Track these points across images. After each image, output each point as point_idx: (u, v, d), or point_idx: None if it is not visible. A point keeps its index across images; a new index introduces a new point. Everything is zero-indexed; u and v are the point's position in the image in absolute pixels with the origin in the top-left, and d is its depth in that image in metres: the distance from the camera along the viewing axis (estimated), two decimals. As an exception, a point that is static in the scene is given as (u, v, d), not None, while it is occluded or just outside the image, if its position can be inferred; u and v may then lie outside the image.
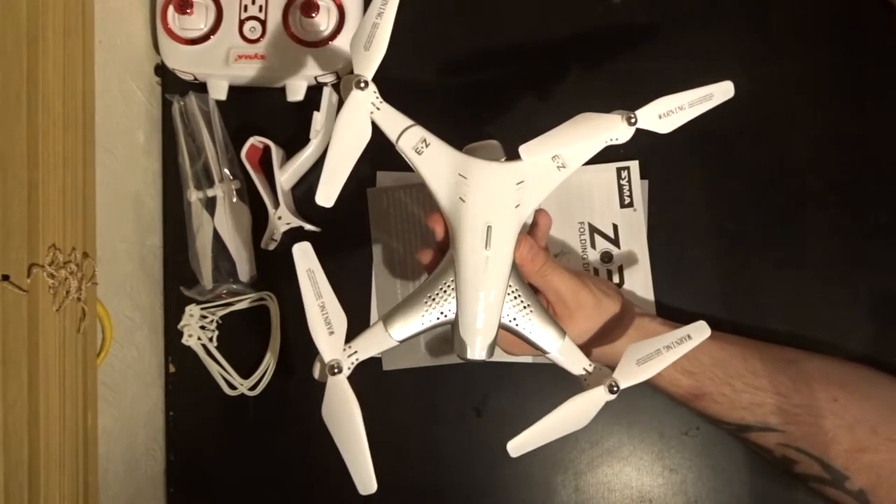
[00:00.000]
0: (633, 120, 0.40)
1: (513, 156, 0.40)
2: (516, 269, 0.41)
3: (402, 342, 0.40)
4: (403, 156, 0.40)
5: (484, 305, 0.39)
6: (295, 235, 0.61)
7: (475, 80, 0.61)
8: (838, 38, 0.58)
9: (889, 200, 0.57)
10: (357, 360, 0.39)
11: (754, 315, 0.57)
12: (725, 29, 0.59)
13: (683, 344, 0.40)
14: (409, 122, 0.40)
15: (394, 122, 0.40)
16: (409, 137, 0.40)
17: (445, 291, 0.40)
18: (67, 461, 0.44)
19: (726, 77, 0.43)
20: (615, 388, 0.39)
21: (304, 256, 0.39)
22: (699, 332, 0.40)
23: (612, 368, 0.40)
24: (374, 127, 0.39)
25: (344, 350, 0.38)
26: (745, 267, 0.58)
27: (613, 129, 0.40)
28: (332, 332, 0.38)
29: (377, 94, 0.39)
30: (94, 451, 0.48)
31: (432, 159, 0.40)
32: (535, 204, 0.41)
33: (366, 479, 0.37)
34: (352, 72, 0.38)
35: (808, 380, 0.49)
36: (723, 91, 0.42)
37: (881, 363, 0.53)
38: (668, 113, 0.41)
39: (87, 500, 0.46)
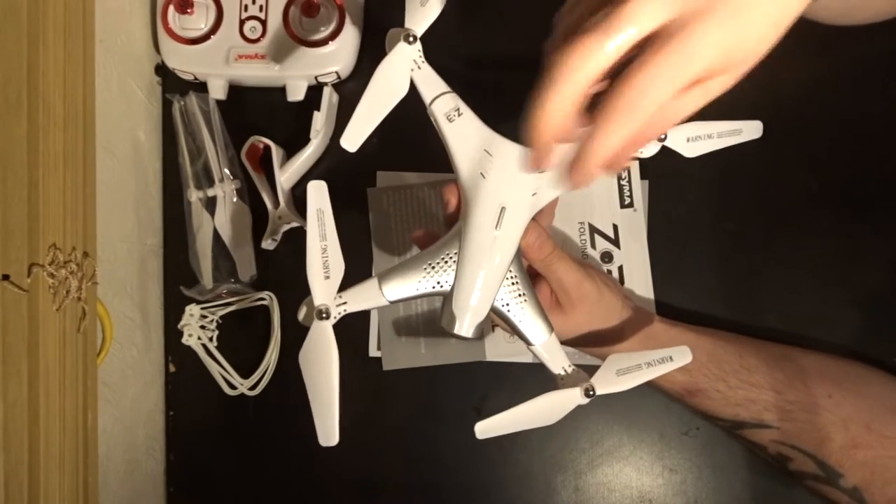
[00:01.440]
0: (662, 136, 0.40)
1: None
2: (519, 257, 0.41)
3: (392, 303, 0.40)
4: (433, 120, 0.40)
5: (481, 284, 0.39)
6: (295, 235, 0.61)
7: (482, 78, 0.61)
8: (839, 37, 0.58)
9: (889, 200, 0.57)
10: (345, 310, 0.39)
11: (754, 314, 0.57)
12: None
13: (664, 364, 0.40)
14: (446, 87, 0.40)
15: (431, 85, 0.39)
16: (444, 103, 0.40)
17: (446, 262, 0.40)
18: (67, 461, 0.44)
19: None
20: (591, 393, 0.39)
21: (318, 195, 0.38)
22: (681, 356, 0.41)
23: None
24: (411, 87, 0.39)
25: (334, 298, 0.38)
26: (745, 267, 0.58)
27: None
28: (327, 277, 0.38)
29: (421, 53, 0.39)
30: (94, 451, 0.48)
31: (462, 129, 0.40)
32: (552, 197, 0.41)
33: (329, 430, 0.37)
34: (402, 26, 0.38)
35: (803, 376, 0.49)
36: (752, 129, 0.43)
37: (878, 361, 0.54)
38: (696, 138, 0.41)
39: (87, 500, 0.46)
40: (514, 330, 0.41)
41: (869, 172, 0.58)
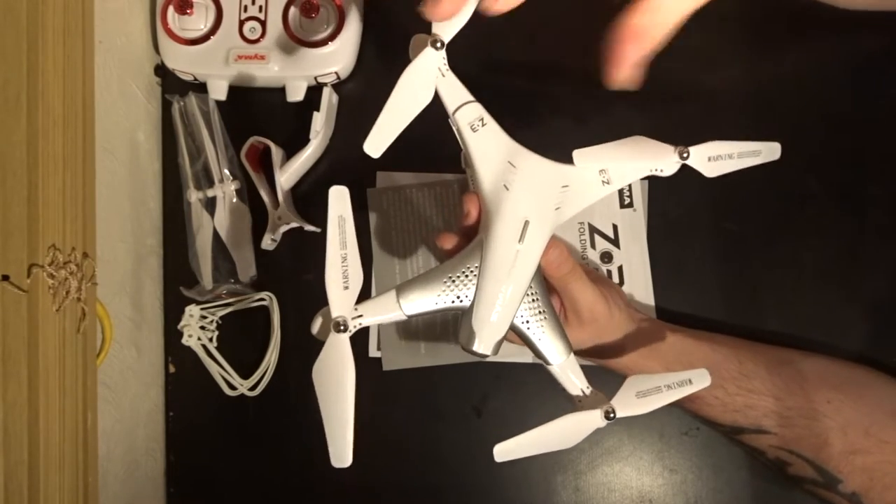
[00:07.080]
0: (685, 155, 0.40)
1: (564, 159, 0.40)
2: (539, 272, 0.40)
3: (410, 317, 0.39)
4: (456, 130, 0.40)
5: (503, 300, 0.38)
6: (295, 236, 0.61)
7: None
8: (839, 37, 0.58)
9: (889, 201, 0.57)
10: (360, 324, 0.38)
11: (754, 316, 0.57)
12: (726, 28, 0.59)
13: (684, 387, 0.40)
14: (470, 96, 0.39)
15: (456, 93, 0.39)
16: (468, 112, 0.39)
17: (467, 276, 0.39)
18: (67, 461, 0.44)
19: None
20: (611, 416, 0.38)
21: (339, 201, 0.37)
22: (700, 379, 0.40)
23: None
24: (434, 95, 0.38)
25: (352, 310, 0.37)
26: (745, 267, 0.58)
27: (663, 158, 0.40)
28: (346, 287, 0.37)
29: (446, 61, 0.38)
30: (94, 451, 0.48)
31: (485, 140, 0.39)
32: (573, 212, 0.40)
33: (342, 449, 0.36)
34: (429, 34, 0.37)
35: (802, 381, 0.49)
36: (770, 151, 0.43)
37: (878, 363, 0.54)
38: (717, 157, 0.41)
39: (86, 500, 0.46)
40: (531, 348, 0.40)
41: (869, 172, 0.58)
